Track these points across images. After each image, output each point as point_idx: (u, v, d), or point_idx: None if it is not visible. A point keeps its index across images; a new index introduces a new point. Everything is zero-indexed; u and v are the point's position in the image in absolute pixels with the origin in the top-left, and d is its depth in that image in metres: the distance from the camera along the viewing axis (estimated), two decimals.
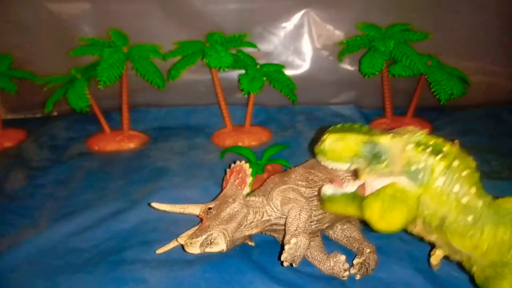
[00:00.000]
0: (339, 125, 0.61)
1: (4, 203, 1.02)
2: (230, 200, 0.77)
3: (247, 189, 0.78)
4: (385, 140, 0.56)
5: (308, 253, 0.76)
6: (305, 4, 1.46)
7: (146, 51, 1.28)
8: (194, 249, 0.72)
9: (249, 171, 0.80)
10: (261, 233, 0.81)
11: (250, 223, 0.76)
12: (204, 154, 1.25)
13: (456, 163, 0.54)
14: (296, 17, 1.48)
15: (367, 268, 0.73)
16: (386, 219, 0.56)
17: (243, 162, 0.82)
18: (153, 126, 1.46)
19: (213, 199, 0.81)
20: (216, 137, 1.35)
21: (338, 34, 1.47)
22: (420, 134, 0.56)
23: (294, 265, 0.70)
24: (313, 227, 0.77)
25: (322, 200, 0.66)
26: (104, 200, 1.01)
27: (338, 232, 0.82)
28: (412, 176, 0.54)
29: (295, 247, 0.68)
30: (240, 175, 0.80)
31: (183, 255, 0.77)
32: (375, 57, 1.19)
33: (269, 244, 0.83)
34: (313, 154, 0.67)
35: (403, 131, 0.58)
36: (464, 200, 0.54)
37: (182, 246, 0.75)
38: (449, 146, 0.55)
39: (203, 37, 1.32)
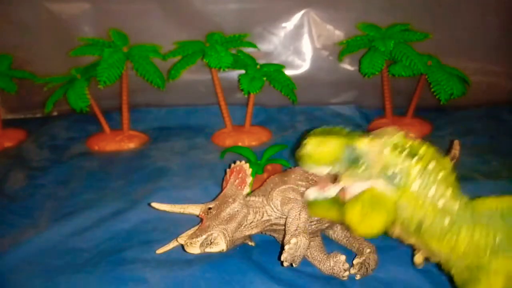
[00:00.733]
0: (320, 129, 0.61)
1: (4, 203, 1.02)
2: (230, 200, 0.77)
3: (247, 189, 0.78)
4: (362, 144, 0.56)
5: (308, 253, 0.76)
6: (305, 4, 1.46)
7: (146, 51, 1.29)
8: (194, 249, 0.72)
9: (249, 171, 0.80)
10: (261, 233, 0.81)
11: (250, 223, 0.76)
12: (204, 154, 1.25)
13: (431, 165, 0.54)
14: (296, 17, 1.48)
15: (367, 268, 0.73)
16: (365, 223, 0.57)
17: (243, 162, 0.82)
18: (153, 126, 1.47)
19: (213, 199, 0.81)
20: (216, 137, 1.35)
21: (338, 34, 1.47)
22: (398, 137, 0.56)
23: (294, 265, 0.70)
24: (313, 227, 0.77)
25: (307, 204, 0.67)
26: (104, 200, 1.01)
27: (338, 232, 0.82)
28: (389, 180, 0.55)
29: (295, 247, 0.68)
30: (240, 175, 0.80)
31: (183, 255, 0.78)
32: (375, 57, 1.19)
33: (269, 244, 0.83)
34: (295, 159, 0.66)
35: (382, 133, 0.58)
36: (440, 203, 0.54)
37: (182, 246, 0.74)
38: (425, 148, 0.55)
39: (203, 37, 1.33)
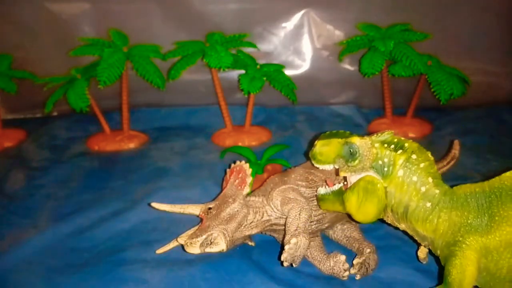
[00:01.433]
0: (327, 132, 0.70)
1: (4, 203, 1.02)
2: (230, 200, 0.77)
3: (247, 189, 0.78)
4: (357, 140, 0.65)
5: (308, 253, 0.76)
6: (305, 4, 1.46)
7: (146, 51, 1.29)
8: (194, 249, 0.72)
9: (249, 171, 0.80)
10: (261, 233, 0.81)
11: (250, 223, 0.76)
12: (204, 154, 1.25)
13: (414, 156, 0.62)
14: (296, 17, 1.48)
15: (367, 268, 0.73)
16: (362, 210, 0.65)
17: (243, 162, 0.82)
18: (153, 126, 1.46)
19: (213, 199, 0.81)
20: (216, 137, 1.35)
21: (338, 34, 1.47)
22: (387, 134, 0.64)
23: (294, 265, 0.70)
24: (313, 227, 0.77)
25: (317, 199, 0.74)
26: (104, 200, 1.01)
27: (338, 232, 0.82)
28: (379, 170, 0.63)
29: (295, 247, 0.68)
30: (240, 175, 0.80)
31: (183, 255, 0.78)
32: (375, 57, 1.19)
33: (269, 244, 0.83)
34: (307, 158, 0.75)
35: (378, 133, 0.66)
36: (423, 189, 0.62)
37: (182, 246, 0.74)
38: (410, 143, 0.63)
39: (203, 37, 1.32)
